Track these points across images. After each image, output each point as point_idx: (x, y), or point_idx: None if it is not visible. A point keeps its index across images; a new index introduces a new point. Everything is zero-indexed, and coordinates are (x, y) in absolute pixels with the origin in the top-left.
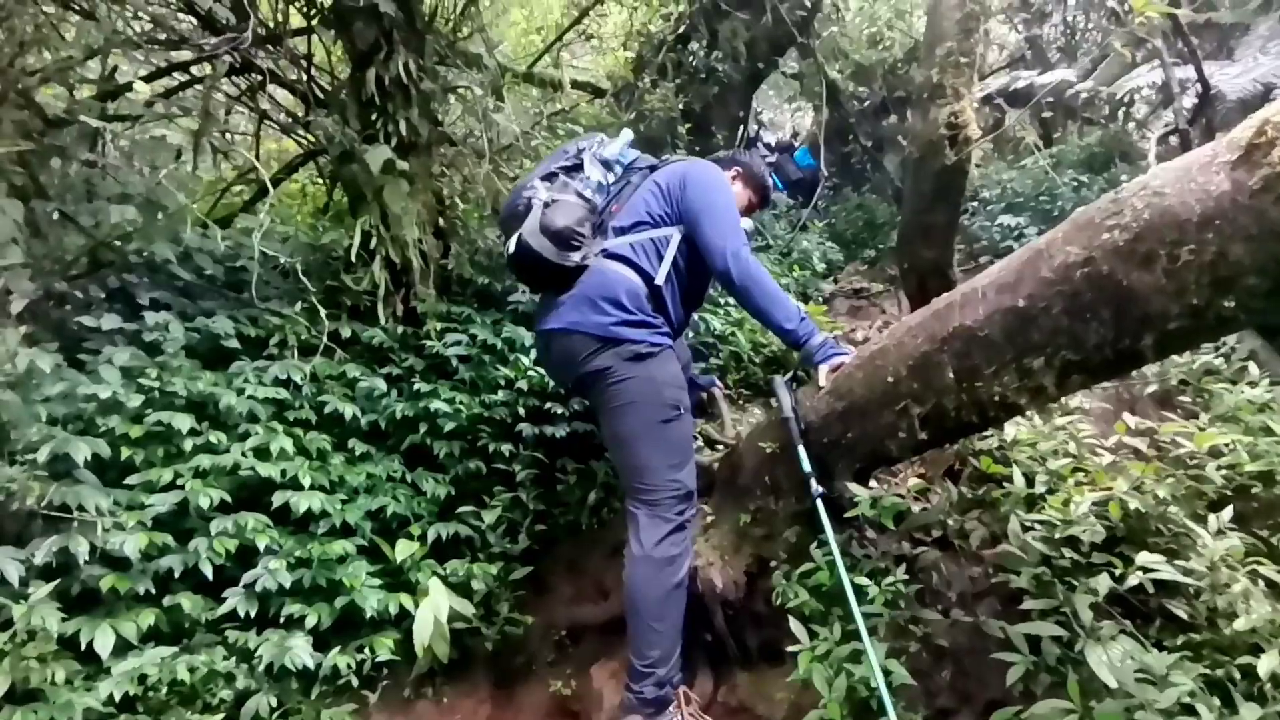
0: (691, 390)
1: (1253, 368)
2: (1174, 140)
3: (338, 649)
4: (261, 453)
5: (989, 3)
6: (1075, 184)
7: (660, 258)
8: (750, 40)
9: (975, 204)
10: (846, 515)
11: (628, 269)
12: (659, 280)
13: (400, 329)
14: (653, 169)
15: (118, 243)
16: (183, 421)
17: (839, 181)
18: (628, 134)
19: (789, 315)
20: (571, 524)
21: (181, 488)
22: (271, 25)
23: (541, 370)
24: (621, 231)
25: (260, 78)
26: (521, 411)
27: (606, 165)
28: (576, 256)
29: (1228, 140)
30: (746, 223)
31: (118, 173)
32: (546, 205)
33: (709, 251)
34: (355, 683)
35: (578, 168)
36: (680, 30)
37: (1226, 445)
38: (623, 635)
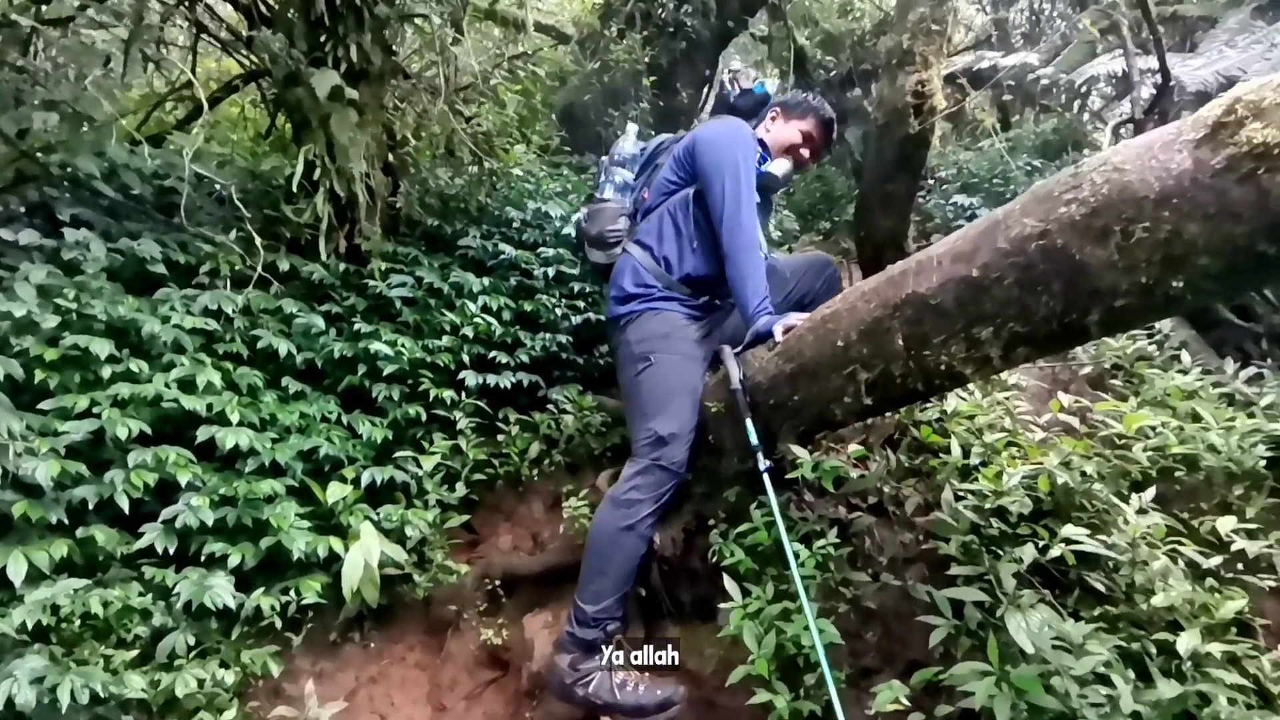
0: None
1: (1185, 355)
2: (1126, 131)
3: (261, 590)
4: (187, 385)
5: None
6: (1030, 169)
7: (676, 228)
8: None
9: (931, 182)
10: (787, 477)
11: (640, 250)
12: (662, 250)
13: (342, 266)
14: (679, 143)
15: (40, 154)
16: (101, 347)
17: None
18: (633, 128)
19: (756, 291)
20: (511, 475)
21: (98, 416)
22: None
23: (489, 318)
24: (647, 211)
25: None
26: (466, 359)
27: (622, 164)
28: (617, 250)
29: (1194, 119)
30: (781, 164)
31: (46, 80)
32: (584, 219)
33: (712, 212)
34: (279, 625)
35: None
36: None
37: (1154, 428)
38: (558, 587)
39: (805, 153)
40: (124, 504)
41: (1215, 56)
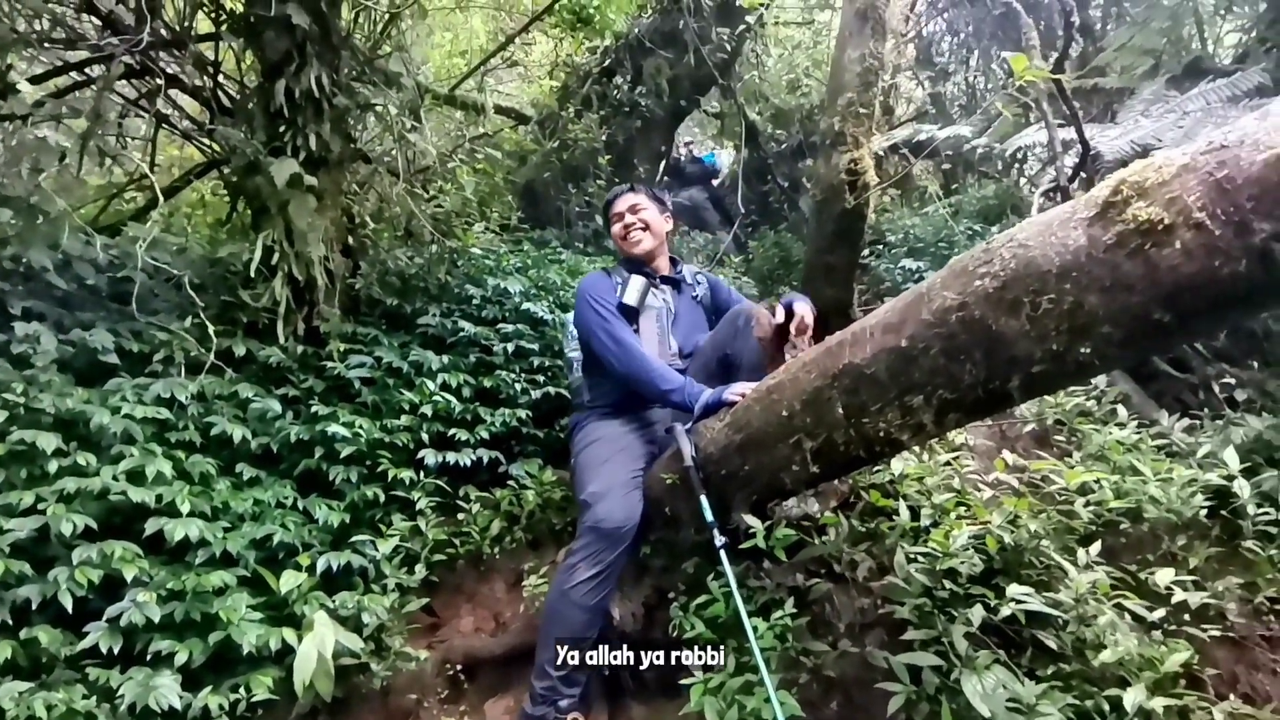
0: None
1: (1121, 410)
2: (1057, 197)
3: (210, 688)
4: (135, 476)
5: (887, 59)
6: (971, 232)
7: (586, 369)
8: (673, 78)
9: (880, 247)
10: (742, 547)
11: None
12: (575, 382)
13: (300, 349)
14: None
15: None
16: (48, 441)
17: (757, 219)
18: (571, 317)
19: (668, 384)
20: (472, 553)
21: (43, 513)
22: (176, 29)
23: (448, 395)
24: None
25: (160, 81)
26: (425, 438)
27: (573, 338)
28: None
29: (1086, 198)
30: (634, 291)
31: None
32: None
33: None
34: None
35: None
36: (605, 64)
37: (1094, 483)
38: (520, 669)
39: (626, 230)
40: (68, 603)
41: (1131, 126)
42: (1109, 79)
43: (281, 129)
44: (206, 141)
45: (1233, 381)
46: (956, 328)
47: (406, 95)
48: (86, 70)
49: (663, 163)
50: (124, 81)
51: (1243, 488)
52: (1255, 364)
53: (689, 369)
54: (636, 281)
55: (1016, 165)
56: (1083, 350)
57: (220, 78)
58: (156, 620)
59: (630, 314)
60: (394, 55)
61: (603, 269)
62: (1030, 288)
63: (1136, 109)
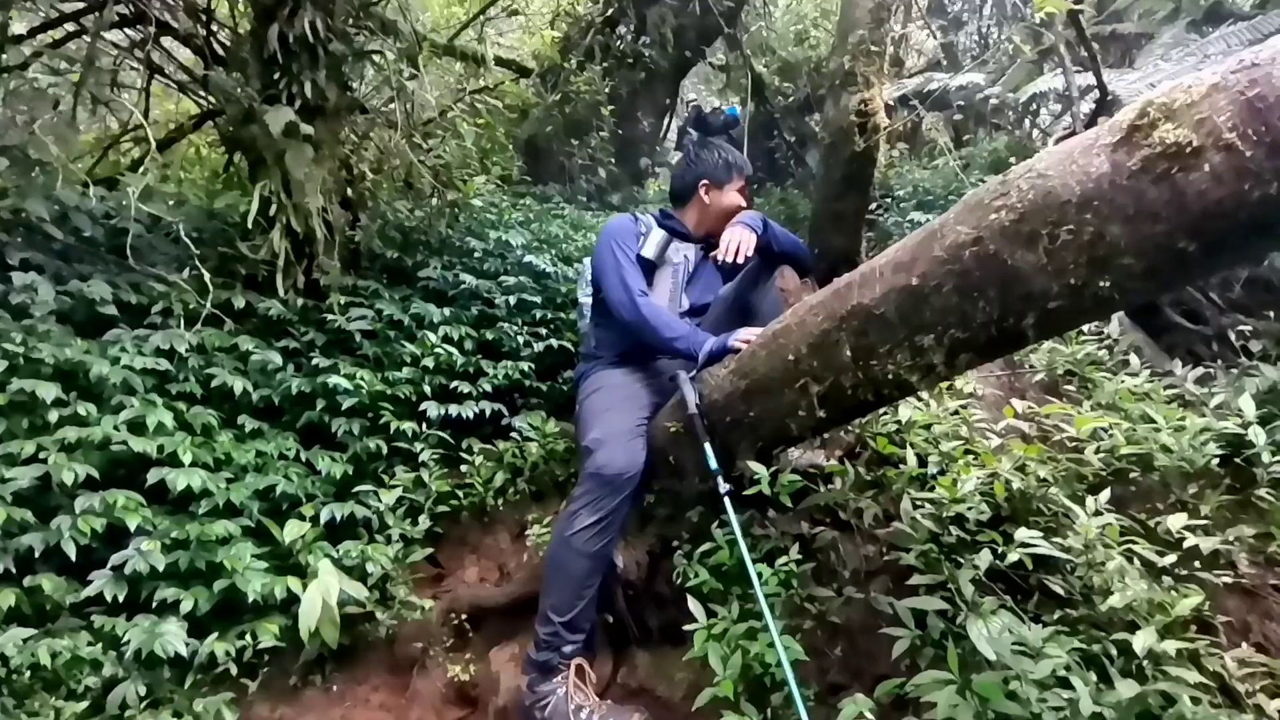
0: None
1: (1134, 359)
2: None
3: (215, 635)
4: (137, 427)
5: None
6: (982, 185)
7: (596, 317)
8: (678, 28)
9: (889, 200)
10: (746, 494)
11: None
12: (585, 329)
13: (301, 301)
14: None
15: None
16: (47, 390)
17: (763, 175)
18: (587, 262)
19: (674, 332)
20: (476, 505)
21: (44, 461)
22: None
23: (450, 348)
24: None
25: (152, 29)
26: (427, 390)
27: (585, 286)
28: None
29: (1110, 123)
30: (652, 245)
31: None
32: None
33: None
34: (234, 671)
35: None
36: (608, 13)
37: (1105, 429)
38: (524, 618)
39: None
40: (71, 551)
41: (1150, 70)
42: (1127, 24)
43: (276, 76)
44: (201, 94)
45: (1248, 330)
46: (970, 264)
47: (404, 43)
48: (81, 21)
49: (667, 117)
50: (118, 31)
51: (1258, 435)
52: (1271, 314)
53: (707, 314)
54: (657, 235)
55: (1029, 117)
56: (1102, 284)
57: (213, 24)
58: (161, 569)
59: (647, 267)
60: (390, 1)
61: (632, 214)
62: (1049, 219)
63: (1156, 53)
